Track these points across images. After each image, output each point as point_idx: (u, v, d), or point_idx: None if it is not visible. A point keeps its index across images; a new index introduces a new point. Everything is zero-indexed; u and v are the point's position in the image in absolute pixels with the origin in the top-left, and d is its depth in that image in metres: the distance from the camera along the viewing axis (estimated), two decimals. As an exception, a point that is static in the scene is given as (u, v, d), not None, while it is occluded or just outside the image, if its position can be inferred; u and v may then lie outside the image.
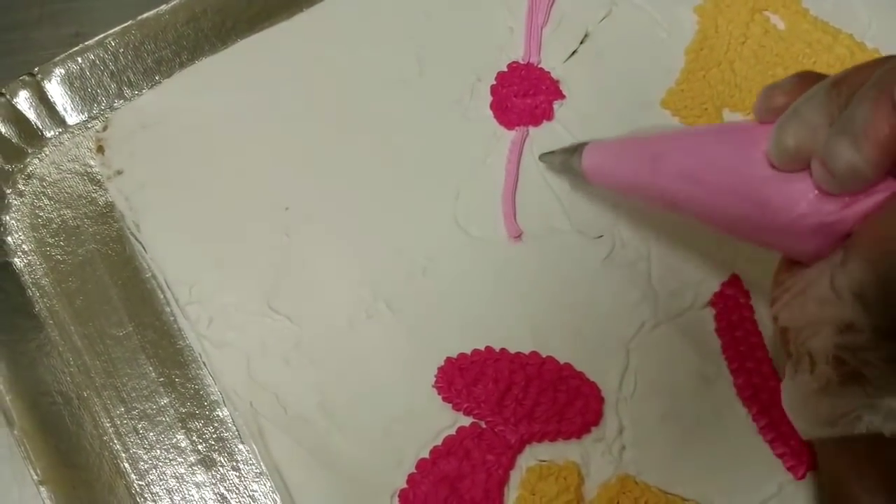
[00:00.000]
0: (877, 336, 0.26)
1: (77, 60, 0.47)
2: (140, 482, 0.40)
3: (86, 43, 0.47)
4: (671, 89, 0.46)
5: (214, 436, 0.41)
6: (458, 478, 0.38)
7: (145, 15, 0.48)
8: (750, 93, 0.46)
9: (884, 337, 0.26)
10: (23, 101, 0.46)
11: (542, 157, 0.44)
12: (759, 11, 0.47)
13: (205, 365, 0.42)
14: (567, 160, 0.42)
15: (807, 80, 0.31)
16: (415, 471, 0.38)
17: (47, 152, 0.46)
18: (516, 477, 0.39)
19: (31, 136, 0.46)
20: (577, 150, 0.41)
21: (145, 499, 0.40)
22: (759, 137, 0.30)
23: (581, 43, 0.47)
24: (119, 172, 0.44)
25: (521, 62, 0.47)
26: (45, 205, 0.45)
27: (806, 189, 0.28)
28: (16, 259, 0.44)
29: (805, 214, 0.28)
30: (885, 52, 0.46)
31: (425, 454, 0.39)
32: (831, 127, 0.28)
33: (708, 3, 0.48)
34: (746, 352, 0.40)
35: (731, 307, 0.41)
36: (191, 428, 0.41)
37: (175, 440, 0.41)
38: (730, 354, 0.40)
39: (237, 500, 0.40)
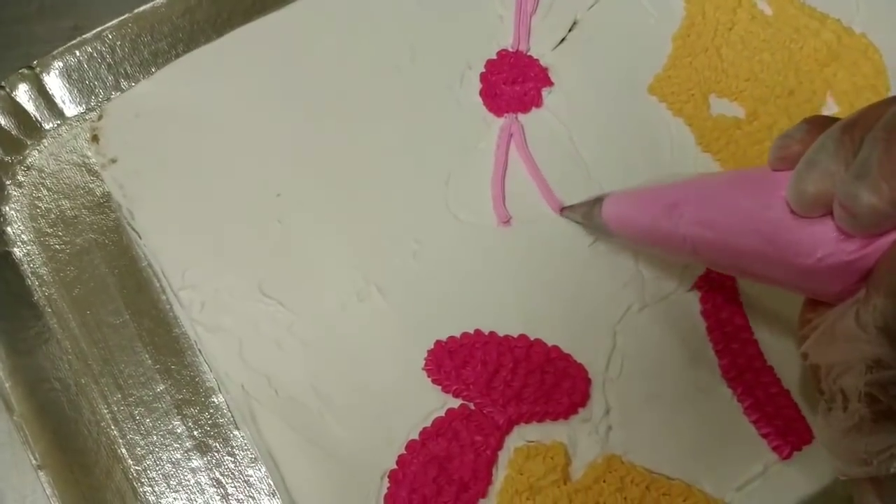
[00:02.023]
0: None
1: (75, 53, 0.48)
2: (137, 467, 0.41)
3: (84, 36, 0.48)
4: (658, 75, 0.46)
5: (210, 422, 0.42)
6: (447, 458, 0.38)
7: (142, 8, 0.49)
8: (736, 78, 0.46)
9: None
10: (22, 93, 0.47)
11: (564, 211, 0.44)
12: (747, -3, 0.48)
13: (200, 352, 0.42)
14: (588, 212, 0.42)
15: (816, 125, 0.31)
16: (404, 452, 0.39)
17: (46, 144, 0.47)
18: (504, 457, 0.39)
19: (30, 128, 0.47)
20: (597, 202, 0.41)
21: (142, 483, 0.41)
22: (776, 183, 0.30)
23: (570, 30, 0.48)
24: (113, 161, 0.44)
25: (511, 50, 0.47)
26: (44, 195, 0.46)
27: (826, 230, 0.28)
28: (15, 249, 0.45)
29: (827, 255, 0.28)
30: (872, 37, 0.46)
31: (415, 435, 0.39)
32: (847, 171, 0.27)
33: (695, -11, 0.48)
34: (731, 333, 0.40)
35: (717, 289, 0.41)
36: (186, 414, 0.42)
37: (171, 426, 0.42)
38: (715, 336, 0.41)
39: (232, 484, 0.40)
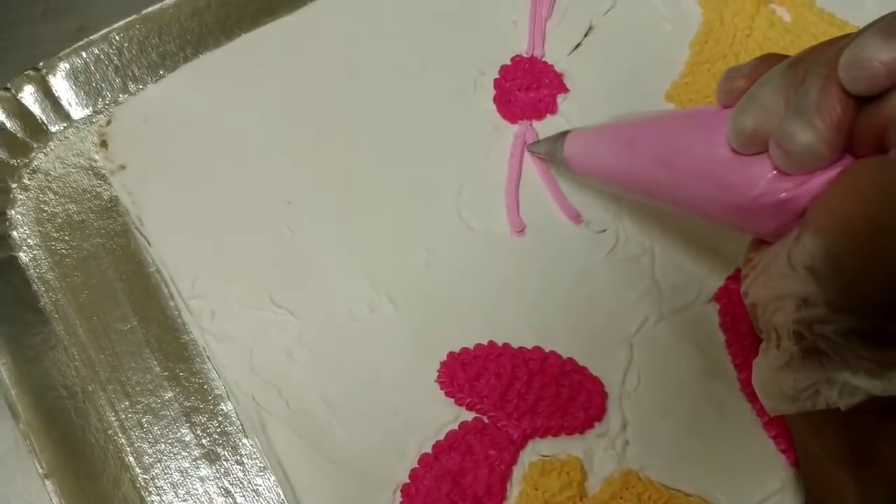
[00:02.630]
0: (830, 309, 0.26)
1: (81, 55, 0.47)
2: (145, 476, 0.40)
3: (90, 38, 0.47)
4: (676, 82, 0.46)
5: (219, 430, 0.41)
6: (460, 473, 0.38)
7: (149, 9, 0.48)
8: (755, 86, 0.45)
9: (836, 310, 0.26)
10: (28, 95, 0.46)
11: (530, 146, 0.44)
12: (765, 3, 0.47)
13: (209, 359, 0.42)
14: (552, 148, 0.42)
15: (767, 61, 0.31)
16: (417, 465, 0.38)
17: (52, 147, 0.46)
18: (519, 472, 0.38)
19: (35, 130, 0.46)
20: (561, 137, 0.41)
21: (150, 492, 0.40)
22: (722, 122, 0.31)
23: (585, 36, 0.47)
24: (122, 167, 0.44)
25: (525, 55, 0.46)
26: (50, 199, 0.45)
27: (764, 170, 0.29)
28: (21, 253, 0.44)
29: (763, 194, 0.29)
30: (892, 44, 0.46)
31: (428, 449, 0.39)
32: (786, 108, 0.28)
33: (713, -6, 0.48)
34: (751, 346, 0.40)
35: (736, 302, 0.41)
36: (195, 422, 0.41)
37: (179, 434, 0.41)
38: (734, 349, 0.40)
39: (241, 494, 0.40)
